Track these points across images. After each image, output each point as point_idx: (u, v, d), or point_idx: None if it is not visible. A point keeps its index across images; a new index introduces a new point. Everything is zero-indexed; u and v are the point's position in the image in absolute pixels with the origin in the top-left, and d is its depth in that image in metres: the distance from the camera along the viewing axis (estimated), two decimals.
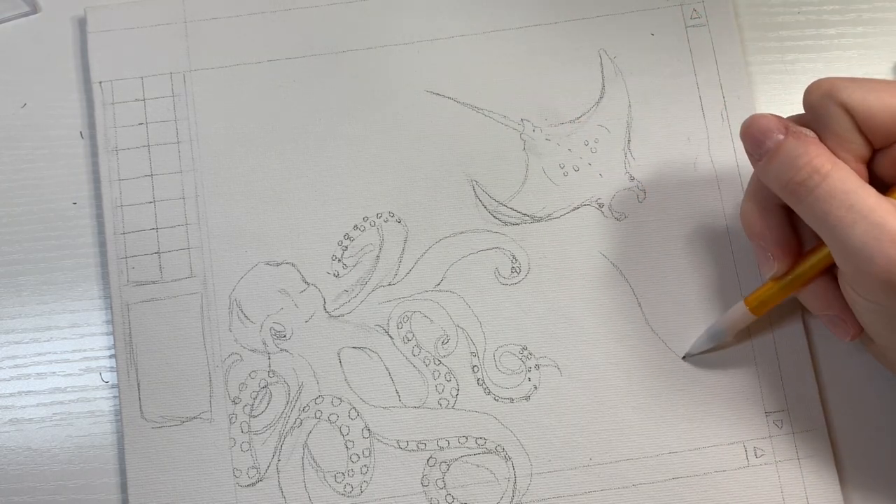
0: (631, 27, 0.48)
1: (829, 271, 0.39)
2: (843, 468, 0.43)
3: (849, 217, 0.34)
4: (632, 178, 0.47)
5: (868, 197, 0.34)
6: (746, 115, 0.43)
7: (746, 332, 0.44)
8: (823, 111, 0.36)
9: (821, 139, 0.37)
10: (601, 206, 0.46)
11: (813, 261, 0.39)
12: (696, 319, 0.45)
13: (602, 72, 0.48)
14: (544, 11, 0.48)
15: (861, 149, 0.36)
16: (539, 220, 0.46)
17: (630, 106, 0.47)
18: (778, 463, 0.43)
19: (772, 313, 0.43)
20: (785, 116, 0.38)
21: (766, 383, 0.44)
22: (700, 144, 0.47)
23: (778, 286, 0.40)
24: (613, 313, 0.45)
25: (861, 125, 0.36)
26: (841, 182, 0.35)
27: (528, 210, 0.46)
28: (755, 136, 0.37)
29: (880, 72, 0.48)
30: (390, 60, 0.47)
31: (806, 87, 0.37)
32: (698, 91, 0.47)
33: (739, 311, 0.41)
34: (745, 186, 0.41)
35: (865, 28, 0.49)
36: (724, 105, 0.47)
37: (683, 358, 0.44)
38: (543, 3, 0.48)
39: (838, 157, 0.36)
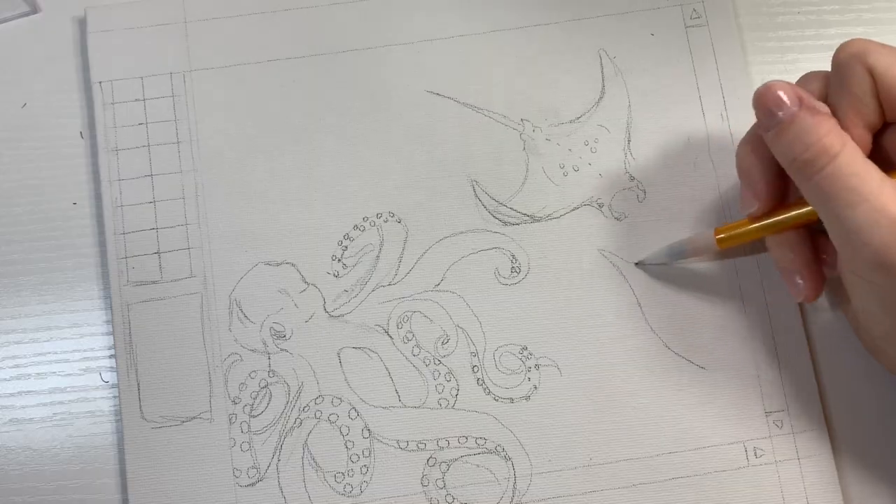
0: (631, 27, 0.48)
1: (804, 228, 0.40)
2: (842, 468, 0.43)
3: (851, 198, 0.34)
4: (632, 178, 0.46)
5: (872, 180, 0.34)
6: (746, 115, 0.44)
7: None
8: (847, 70, 0.36)
9: (837, 97, 0.37)
10: (601, 205, 0.46)
11: (793, 212, 0.39)
12: (696, 319, 0.45)
13: (602, 72, 0.48)
14: (544, 11, 0.48)
15: (873, 116, 0.37)
16: (539, 220, 0.46)
17: (630, 106, 0.47)
18: (778, 463, 0.43)
19: (772, 314, 0.44)
20: (804, 74, 0.38)
21: (766, 383, 0.44)
22: (700, 144, 0.47)
23: (751, 225, 0.40)
24: (613, 313, 0.45)
25: (881, 92, 0.36)
26: (847, 164, 0.35)
27: (528, 210, 0.46)
28: (767, 106, 0.37)
29: None
30: (390, 60, 0.47)
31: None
32: (698, 91, 0.47)
33: (705, 238, 0.42)
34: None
35: (866, 28, 0.49)
36: (724, 105, 0.47)
37: (636, 264, 0.44)
38: (543, 3, 0.48)
39: (848, 119, 0.36)
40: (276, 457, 0.43)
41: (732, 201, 0.46)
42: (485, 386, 0.44)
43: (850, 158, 0.35)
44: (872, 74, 0.36)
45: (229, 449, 0.43)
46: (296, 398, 0.43)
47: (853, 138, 0.36)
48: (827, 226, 0.36)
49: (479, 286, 0.45)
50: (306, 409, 0.43)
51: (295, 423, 0.43)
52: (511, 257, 0.45)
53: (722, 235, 0.41)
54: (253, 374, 0.44)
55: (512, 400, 0.43)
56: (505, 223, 0.45)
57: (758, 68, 0.48)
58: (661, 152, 0.47)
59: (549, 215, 0.46)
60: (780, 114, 0.36)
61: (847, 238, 0.35)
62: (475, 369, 0.44)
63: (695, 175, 0.46)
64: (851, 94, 0.36)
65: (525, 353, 0.44)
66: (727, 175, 0.46)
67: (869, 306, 0.38)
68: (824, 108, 0.36)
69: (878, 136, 0.38)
